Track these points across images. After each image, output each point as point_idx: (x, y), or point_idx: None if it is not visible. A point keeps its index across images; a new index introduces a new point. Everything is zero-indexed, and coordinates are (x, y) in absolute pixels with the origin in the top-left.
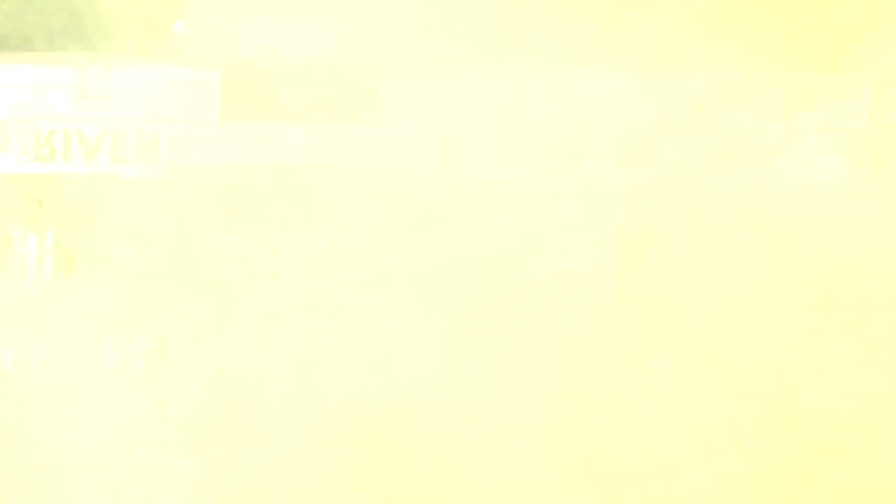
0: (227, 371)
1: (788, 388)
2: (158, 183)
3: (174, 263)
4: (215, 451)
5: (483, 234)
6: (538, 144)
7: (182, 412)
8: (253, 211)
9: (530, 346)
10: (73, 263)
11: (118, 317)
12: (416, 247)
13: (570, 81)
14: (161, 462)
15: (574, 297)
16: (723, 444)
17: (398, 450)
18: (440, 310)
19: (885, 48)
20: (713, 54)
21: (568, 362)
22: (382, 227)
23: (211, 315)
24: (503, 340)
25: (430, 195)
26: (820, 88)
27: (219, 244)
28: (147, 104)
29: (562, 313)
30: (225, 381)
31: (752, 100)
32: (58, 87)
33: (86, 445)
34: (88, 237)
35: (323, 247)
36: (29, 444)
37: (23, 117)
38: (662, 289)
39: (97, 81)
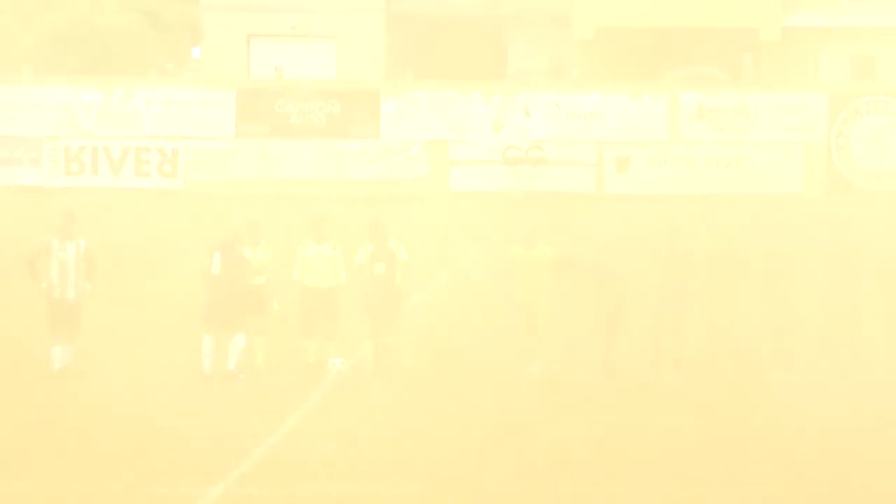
0: None
1: None
2: (177, 194)
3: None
4: None
5: None
6: None
7: None
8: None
9: None
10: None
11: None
12: None
13: None
14: None
15: None
16: None
17: None
18: None
19: None
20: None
21: None
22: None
23: None
24: None
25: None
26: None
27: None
28: (167, 123)
29: None
30: None
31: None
32: (85, 108)
33: None
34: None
35: None
36: None
37: (53, 135)
38: None
39: (121, 102)
